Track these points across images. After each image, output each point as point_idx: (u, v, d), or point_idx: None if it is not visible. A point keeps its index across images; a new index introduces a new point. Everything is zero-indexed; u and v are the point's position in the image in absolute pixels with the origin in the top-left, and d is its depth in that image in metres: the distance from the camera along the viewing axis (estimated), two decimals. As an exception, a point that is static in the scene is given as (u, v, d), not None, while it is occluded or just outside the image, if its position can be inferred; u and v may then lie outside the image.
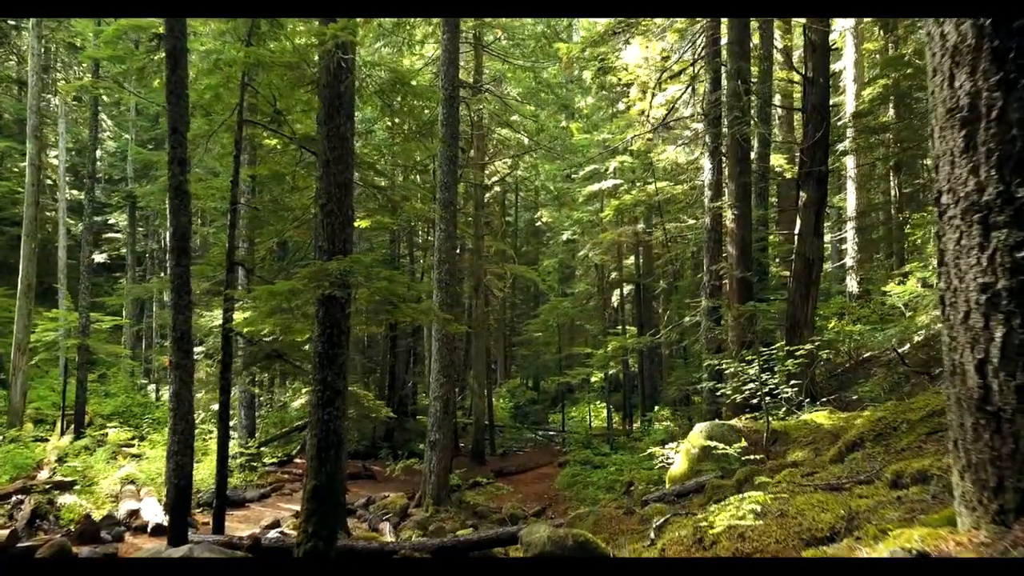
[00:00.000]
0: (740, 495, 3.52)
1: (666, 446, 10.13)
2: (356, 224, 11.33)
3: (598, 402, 26.52)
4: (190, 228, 12.96)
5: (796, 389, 9.72)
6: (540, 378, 32.58)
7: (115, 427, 18.22)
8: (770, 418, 8.47)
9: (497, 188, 27.54)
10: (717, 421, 9.20)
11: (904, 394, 10.34)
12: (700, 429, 9.19)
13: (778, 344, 9.02)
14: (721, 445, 4.95)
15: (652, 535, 4.83)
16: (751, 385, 9.37)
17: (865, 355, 16.73)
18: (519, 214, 33.76)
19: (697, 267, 21.97)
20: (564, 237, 25.63)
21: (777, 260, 20.50)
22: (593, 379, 25.17)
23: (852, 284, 22.12)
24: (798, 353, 9.21)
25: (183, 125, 8.78)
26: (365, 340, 26.54)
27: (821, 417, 9.04)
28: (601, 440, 20.26)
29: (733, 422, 9.25)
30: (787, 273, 19.72)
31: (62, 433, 17.64)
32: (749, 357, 8.98)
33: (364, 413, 10.32)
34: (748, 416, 10.18)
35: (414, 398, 25.00)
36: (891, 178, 22.06)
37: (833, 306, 19.31)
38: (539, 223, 29.88)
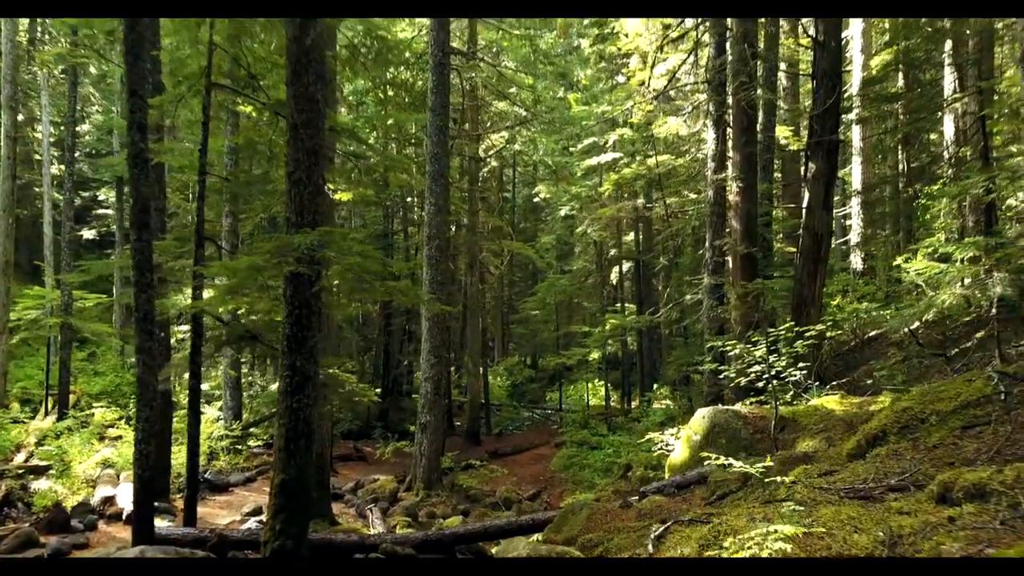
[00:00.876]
0: (765, 530, 2.85)
1: (665, 431, 9.49)
2: (338, 197, 10.61)
3: (596, 380, 25.93)
4: (157, 200, 12.25)
5: (804, 372, 9.06)
6: (538, 355, 32.00)
7: (102, 407, 17.61)
8: (778, 403, 7.80)
9: (494, 163, 26.70)
10: (720, 407, 8.54)
11: (919, 376, 9.67)
12: (702, 415, 8.54)
13: (786, 324, 8.31)
14: (737, 464, 4.26)
15: (650, 548, 4.17)
16: (756, 368, 8.70)
17: (871, 334, 16.07)
18: (517, 190, 32.91)
19: (698, 243, 21.21)
20: (562, 213, 24.82)
21: (780, 236, 19.74)
22: (591, 357, 24.58)
23: (856, 261, 21.38)
24: (808, 334, 8.52)
25: (143, 88, 7.99)
26: (360, 318, 25.91)
27: (832, 402, 8.38)
28: (599, 420, 19.68)
29: (737, 407, 8.59)
30: (792, 249, 18.97)
31: (46, 414, 17.05)
32: (756, 338, 8.29)
33: (348, 397, 9.65)
34: (753, 400, 9.53)
35: (409, 377, 24.40)
36: (899, 151, 21.22)
37: (837, 283, 18.62)
38: (537, 199, 29.05)
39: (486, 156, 21.45)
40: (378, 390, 23.13)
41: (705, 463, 7.72)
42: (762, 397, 9.30)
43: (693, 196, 19.92)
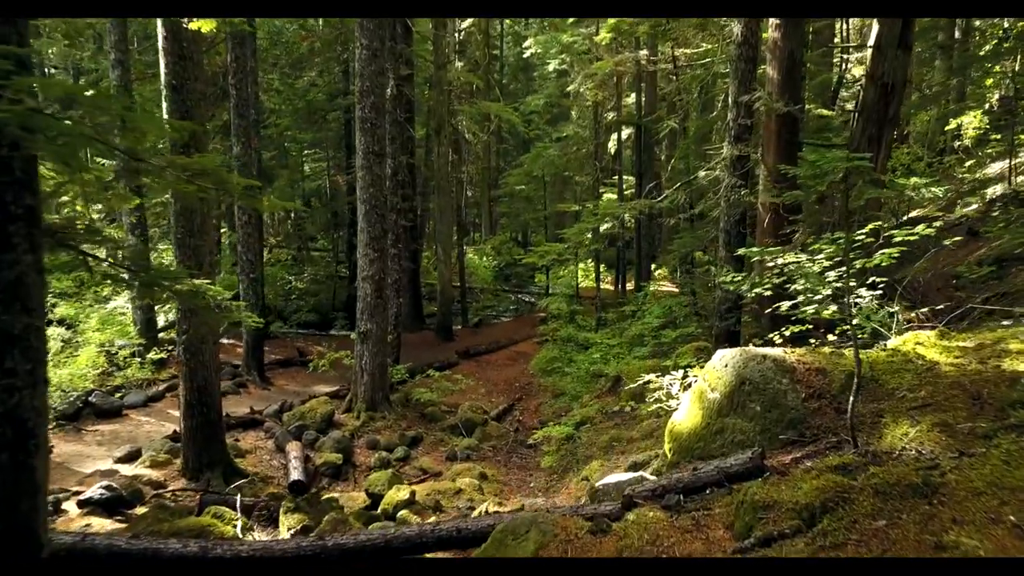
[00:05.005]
0: None
1: (665, 377, 6.39)
2: (195, 26, 6.90)
3: (588, 260, 22.79)
4: None
5: (879, 293, 5.83)
6: (530, 232, 28.70)
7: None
8: (859, 355, 4.63)
9: (477, 12, 22.03)
10: (752, 351, 5.36)
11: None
12: (724, 361, 5.39)
13: (877, 223, 4.93)
14: None
15: None
16: (803, 283, 5.43)
17: (911, 214, 12.86)
18: (508, 47, 28.19)
19: (707, 107, 17.29)
20: (551, 67, 20.51)
21: (810, 94, 15.81)
22: (583, 239, 21.32)
23: (891, 126, 17.57)
24: (897, 239, 5.18)
25: None
26: (327, 191, 22.50)
27: (929, 346, 5.18)
28: (588, 309, 16.74)
29: (777, 352, 5.43)
30: (825, 112, 15.14)
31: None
32: (818, 246, 4.97)
33: (222, 317, 6.50)
34: (792, 332, 6.36)
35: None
36: (961, -12, 16.70)
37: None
38: (528, 54, 24.55)
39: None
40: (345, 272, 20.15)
41: (730, 457, 4.66)
42: (808, 327, 6.12)
43: (707, 47, 15.79)
